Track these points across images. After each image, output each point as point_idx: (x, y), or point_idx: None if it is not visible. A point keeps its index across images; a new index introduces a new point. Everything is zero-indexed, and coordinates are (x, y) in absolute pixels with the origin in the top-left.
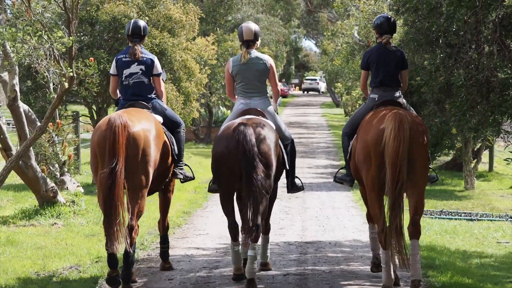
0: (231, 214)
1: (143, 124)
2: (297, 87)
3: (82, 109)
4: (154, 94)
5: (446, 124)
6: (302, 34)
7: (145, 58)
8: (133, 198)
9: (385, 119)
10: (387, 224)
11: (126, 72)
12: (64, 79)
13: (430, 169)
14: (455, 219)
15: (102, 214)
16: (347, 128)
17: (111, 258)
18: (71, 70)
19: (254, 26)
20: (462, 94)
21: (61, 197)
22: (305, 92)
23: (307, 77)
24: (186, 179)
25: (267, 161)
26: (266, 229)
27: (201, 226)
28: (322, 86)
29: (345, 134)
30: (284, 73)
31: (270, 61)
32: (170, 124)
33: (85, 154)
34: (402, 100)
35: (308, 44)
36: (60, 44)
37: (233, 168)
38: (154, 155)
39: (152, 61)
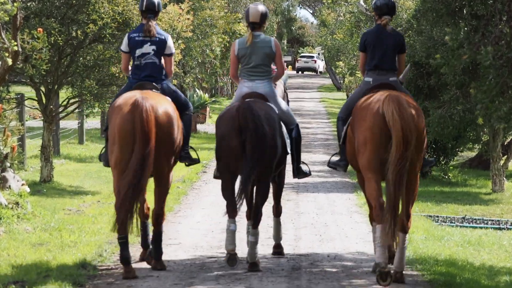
0: (230, 195)
1: (166, 108)
2: (290, 66)
3: (28, 91)
4: (164, 75)
5: (471, 112)
6: (296, 1)
7: (158, 39)
8: (158, 182)
9: (382, 102)
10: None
11: (139, 52)
12: (6, 54)
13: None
14: (480, 227)
15: (119, 198)
16: (342, 113)
17: (124, 248)
18: (15, 43)
19: (262, 8)
20: (491, 76)
21: (2, 197)
22: (300, 72)
23: (302, 54)
24: (191, 162)
25: (270, 143)
26: (278, 212)
27: (172, 234)
28: (320, 65)
29: (340, 118)
30: None
31: (276, 43)
32: (179, 106)
33: (32, 145)
34: (398, 84)
35: (303, 14)
36: (2, 12)
37: (234, 148)
38: (176, 139)
39: (165, 41)
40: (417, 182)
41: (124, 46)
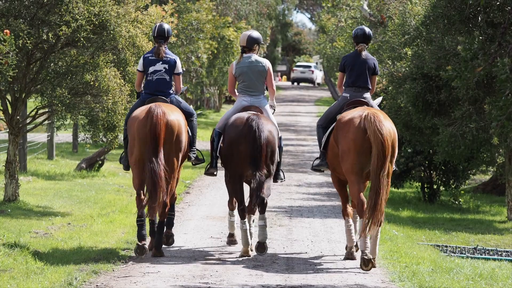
0: (239, 195)
1: (176, 115)
2: (284, 77)
3: None
4: (172, 90)
5: (485, 131)
6: (292, 5)
7: (169, 58)
8: (167, 176)
9: (363, 118)
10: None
11: (151, 69)
12: None
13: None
14: (494, 259)
15: (144, 191)
16: (322, 121)
17: (141, 229)
18: None
19: (250, 33)
20: (507, 90)
21: None
22: (295, 84)
23: (298, 63)
24: (197, 162)
25: (272, 149)
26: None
27: (150, 261)
28: (318, 75)
29: (320, 126)
30: (267, 57)
31: (268, 64)
32: (185, 115)
33: None
34: (370, 100)
35: (300, 19)
36: None
37: (244, 152)
38: (184, 141)
39: (175, 62)
40: (389, 184)
41: (139, 66)
